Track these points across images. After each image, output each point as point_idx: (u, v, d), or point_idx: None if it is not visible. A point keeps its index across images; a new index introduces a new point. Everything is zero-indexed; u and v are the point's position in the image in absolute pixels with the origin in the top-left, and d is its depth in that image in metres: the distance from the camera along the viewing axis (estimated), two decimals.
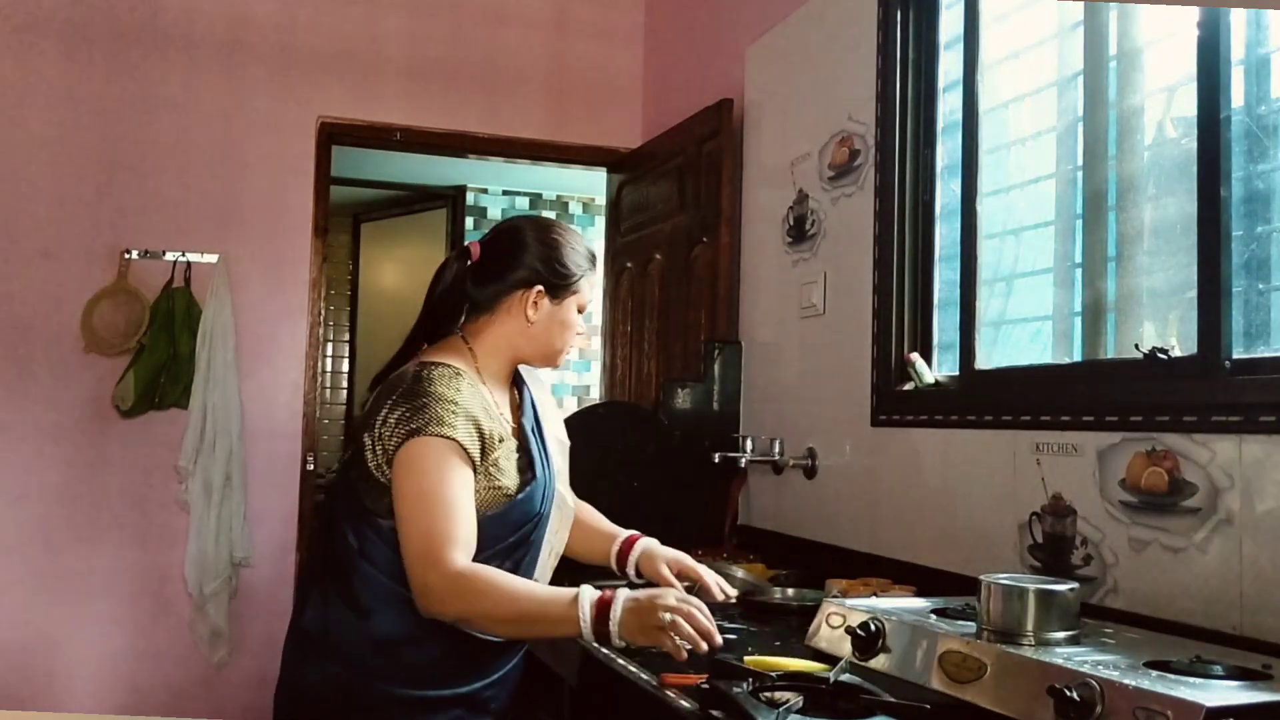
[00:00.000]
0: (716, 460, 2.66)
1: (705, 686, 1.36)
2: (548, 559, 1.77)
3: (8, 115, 3.38)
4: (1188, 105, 1.72)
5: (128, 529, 3.43)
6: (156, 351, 3.41)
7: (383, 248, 5.99)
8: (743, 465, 2.72)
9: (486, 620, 1.54)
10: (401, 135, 3.76)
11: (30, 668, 3.34)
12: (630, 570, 1.88)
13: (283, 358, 3.61)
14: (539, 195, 5.74)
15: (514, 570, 1.64)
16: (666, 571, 1.83)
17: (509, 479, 1.66)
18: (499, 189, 5.67)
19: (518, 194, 5.72)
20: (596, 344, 5.17)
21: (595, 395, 4.95)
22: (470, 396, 1.64)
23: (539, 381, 1.93)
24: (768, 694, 1.32)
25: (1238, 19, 1.65)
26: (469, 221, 5.62)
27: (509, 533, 1.65)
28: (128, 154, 3.47)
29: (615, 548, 1.90)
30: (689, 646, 1.44)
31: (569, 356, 1.86)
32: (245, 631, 3.49)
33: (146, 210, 3.48)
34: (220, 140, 3.55)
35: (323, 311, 3.73)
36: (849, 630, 1.49)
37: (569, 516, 1.84)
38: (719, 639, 1.47)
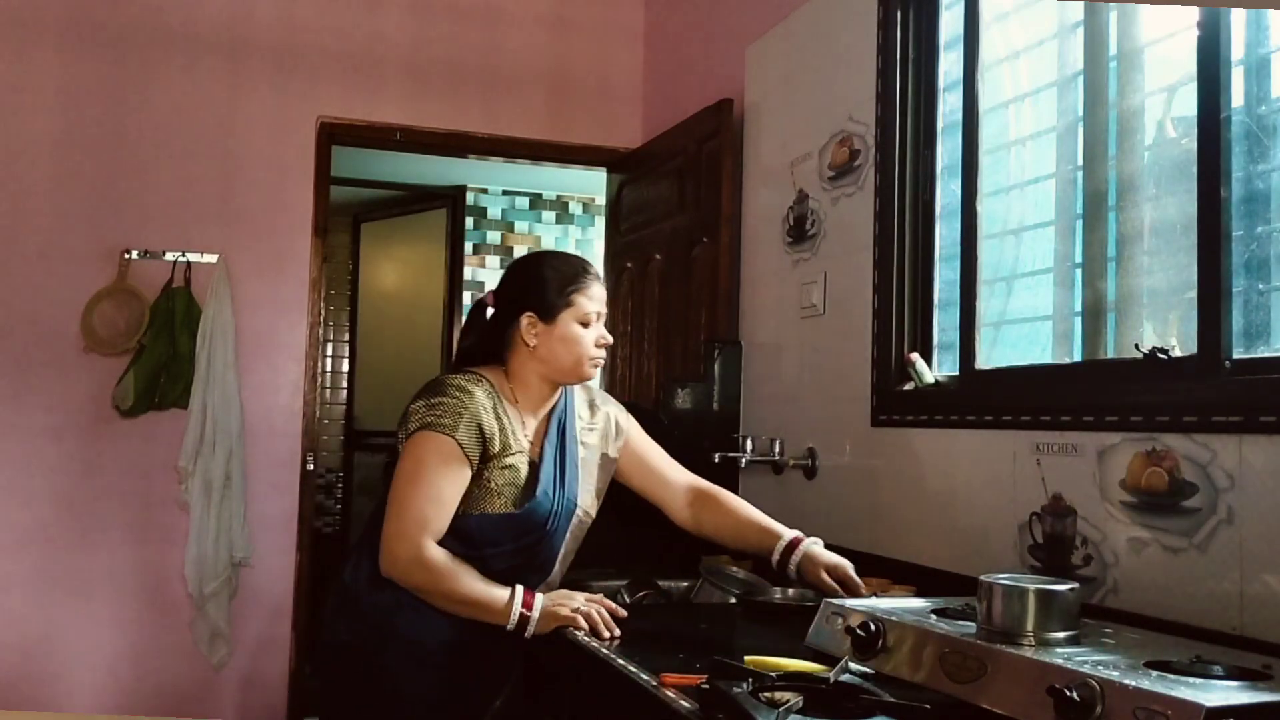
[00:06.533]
0: (716, 460, 2.66)
1: (705, 686, 1.36)
2: (560, 565, 2.02)
3: (8, 115, 3.38)
4: (1188, 105, 1.72)
5: (127, 529, 3.43)
6: (156, 351, 3.42)
7: (383, 248, 5.99)
8: (743, 465, 2.71)
9: (437, 595, 1.82)
10: (401, 135, 3.76)
11: (30, 668, 3.34)
12: (791, 571, 1.99)
13: (283, 358, 3.61)
14: (539, 195, 5.75)
15: (528, 564, 1.92)
16: (826, 578, 1.94)
17: (511, 490, 1.91)
18: (499, 189, 5.67)
19: (518, 194, 5.72)
20: None
21: None
22: (482, 401, 1.88)
23: (602, 403, 2.14)
24: (768, 694, 1.31)
25: (1238, 19, 1.65)
26: (469, 221, 5.63)
27: (516, 537, 1.90)
28: (128, 154, 3.47)
29: (779, 547, 2.01)
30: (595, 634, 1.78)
31: (600, 363, 2.00)
32: (245, 631, 3.49)
33: (146, 210, 3.48)
34: (220, 140, 3.55)
35: (323, 311, 3.73)
36: (849, 630, 1.49)
37: (584, 525, 2.05)
38: (616, 631, 1.79)
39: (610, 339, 2.02)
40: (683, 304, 3.29)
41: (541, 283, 1.96)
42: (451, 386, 1.88)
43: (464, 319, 2.09)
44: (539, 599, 1.84)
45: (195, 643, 3.44)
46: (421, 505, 1.81)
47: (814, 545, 1.99)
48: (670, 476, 2.18)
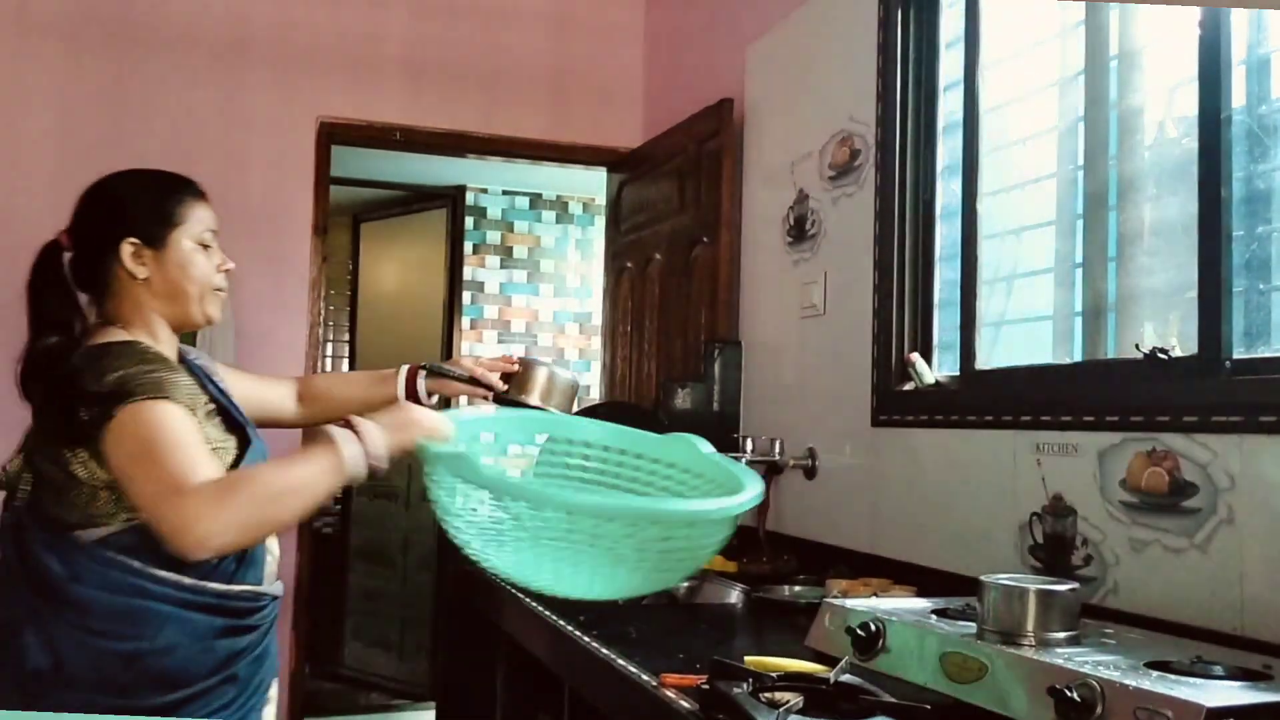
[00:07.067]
0: None
1: (705, 687, 1.36)
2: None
3: (7, 115, 3.38)
4: (1188, 105, 1.72)
5: None
6: None
7: (383, 248, 5.99)
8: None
9: (259, 504, 1.39)
10: (401, 135, 3.76)
11: None
12: (425, 397, 1.89)
13: (283, 358, 3.61)
14: (539, 195, 5.74)
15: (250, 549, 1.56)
16: (462, 386, 1.87)
17: (228, 445, 1.56)
18: (499, 189, 5.67)
19: (518, 194, 5.72)
20: (596, 344, 5.18)
21: (595, 395, 4.95)
22: (160, 355, 1.56)
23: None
24: (768, 694, 1.31)
25: (1238, 19, 1.65)
26: (469, 221, 5.62)
27: None
28: (127, 154, 3.46)
29: (401, 382, 1.90)
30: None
31: (224, 296, 1.70)
32: None
33: None
34: (220, 140, 3.55)
35: (323, 311, 3.73)
36: (849, 630, 1.49)
37: None
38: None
39: (232, 264, 1.72)
40: (683, 304, 3.29)
41: (134, 201, 1.69)
42: (115, 356, 1.50)
43: (30, 293, 1.67)
44: (364, 420, 1.47)
45: None
46: (168, 459, 1.41)
47: (434, 365, 1.92)
48: (272, 381, 2.01)
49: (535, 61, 3.91)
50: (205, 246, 1.69)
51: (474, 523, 1.38)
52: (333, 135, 3.68)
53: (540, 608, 2.02)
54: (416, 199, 5.76)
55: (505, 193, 5.70)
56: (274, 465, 1.46)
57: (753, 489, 1.41)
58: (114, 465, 1.43)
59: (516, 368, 1.93)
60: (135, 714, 1.42)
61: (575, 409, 2.01)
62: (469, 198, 5.63)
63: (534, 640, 2.04)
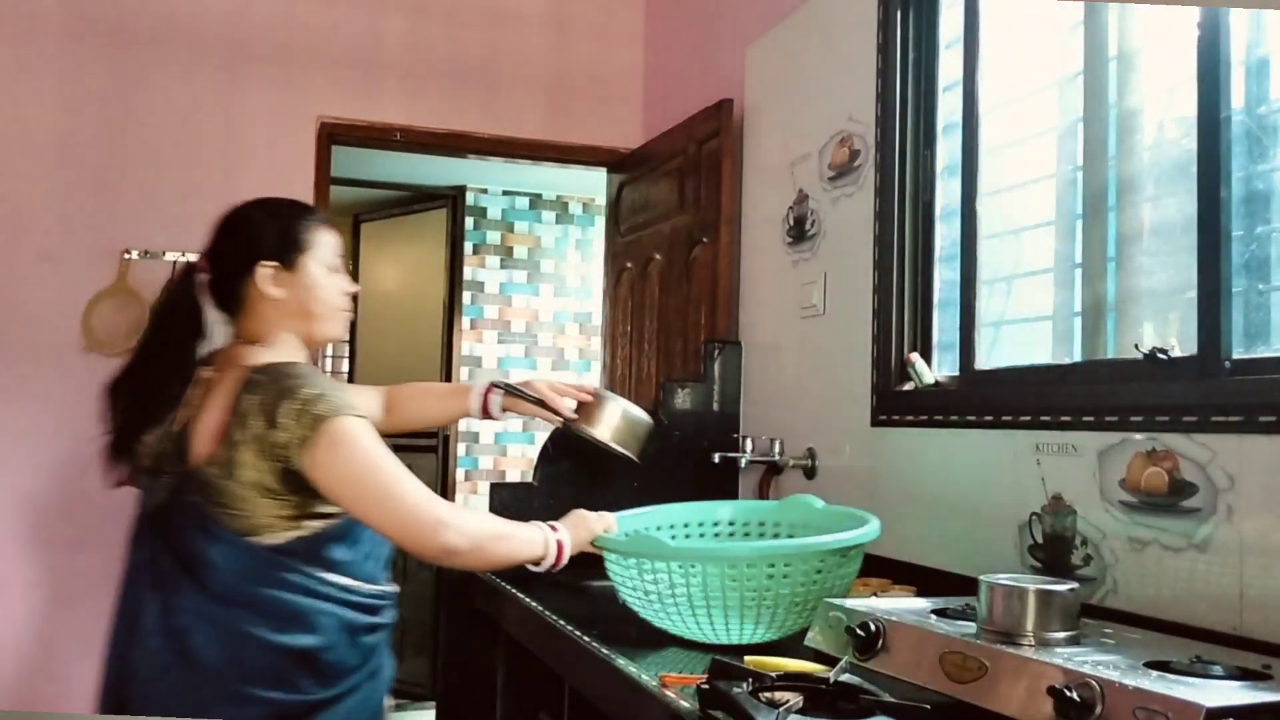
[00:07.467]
0: (716, 460, 2.66)
1: (705, 687, 1.36)
2: None
3: (7, 115, 3.38)
4: (1187, 105, 1.72)
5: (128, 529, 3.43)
6: None
7: (383, 248, 5.99)
8: (743, 465, 2.71)
9: (487, 535, 1.69)
10: (401, 135, 3.76)
11: (30, 668, 3.34)
12: (495, 412, 2.07)
13: None
14: (539, 195, 5.75)
15: (379, 551, 1.77)
16: (532, 407, 2.05)
17: None
18: (499, 189, 5.68)
19: (518, 194, 5.72)
20: (596, 344, 5.18)
21: None
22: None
23: None
24: (767, 694, 1.31)
25: (1238, 19, 1.65)
26: (469, 221, 5.62)
27: None
28: (128, 154, 3.47)
29: (475, 396, 2.08)
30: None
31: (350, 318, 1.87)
32: None
33: (146, 210, 3.47)
34: (220, 140, 3.55)
35: None
36: (849, 630, 1.49)
37: None
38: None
39: (357, 287, 1.87)
40: (683, 304, 3.29)
41: (269, 226, 1.76)
42: (297, 377, 1.64)
43: (164, 307, 1.79)
44: (558, 523, 1.79)
45: None
46: (403, 480, 1.62)
47: (507, 384, 2.08)
48: (363, 391, 2.14)
49: (535, 61, 3.91)
50: (332, 270, 1.81)
51: (649, 593, 1.69)
52: (333, 135, 3.68)
53: (540, 608, 2.02)
54: (416, 199, 5.76)
55: (505, 193, 5.70)
56: (498, 517, 1.76)
57: (873, 522, 1.76)
58: (327, 476, 1.58)
59: (590, 398, 2.00)
60: (303, 706, 1.61)
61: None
62: (469, 198, 5.63)
63: (534, 640, 2.04)
